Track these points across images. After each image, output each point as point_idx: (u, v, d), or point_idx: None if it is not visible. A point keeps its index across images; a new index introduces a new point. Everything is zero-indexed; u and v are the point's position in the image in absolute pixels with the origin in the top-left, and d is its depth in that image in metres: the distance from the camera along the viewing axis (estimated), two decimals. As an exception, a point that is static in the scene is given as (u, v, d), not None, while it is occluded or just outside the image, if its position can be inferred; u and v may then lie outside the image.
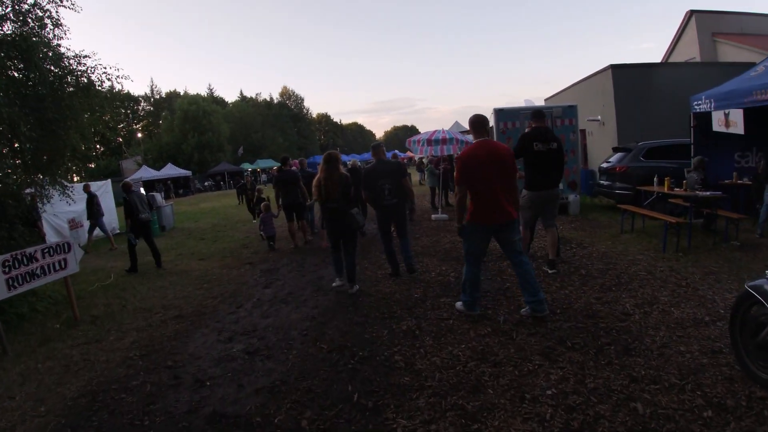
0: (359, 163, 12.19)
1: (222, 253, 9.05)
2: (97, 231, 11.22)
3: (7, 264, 4.70)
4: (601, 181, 10.55)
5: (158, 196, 14.59)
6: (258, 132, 58.03)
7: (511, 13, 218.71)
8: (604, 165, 10.50)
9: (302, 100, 76.98)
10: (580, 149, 11.25)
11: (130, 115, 57.13)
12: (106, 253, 10.53)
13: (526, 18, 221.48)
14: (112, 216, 13.68)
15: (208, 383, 3.51)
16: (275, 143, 59.81)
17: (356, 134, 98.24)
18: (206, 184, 40.50)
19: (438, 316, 4.43)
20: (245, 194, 10.50)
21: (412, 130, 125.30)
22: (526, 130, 5.69)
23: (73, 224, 11.44)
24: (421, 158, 20.40)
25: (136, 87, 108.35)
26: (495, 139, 7.10)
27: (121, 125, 54.51)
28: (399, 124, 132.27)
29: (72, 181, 10.17)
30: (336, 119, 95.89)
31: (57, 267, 5.39)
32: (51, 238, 10.68)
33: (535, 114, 5.52)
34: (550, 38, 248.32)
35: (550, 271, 5.43)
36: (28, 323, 5.60)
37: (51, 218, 10.80)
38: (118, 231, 13.85)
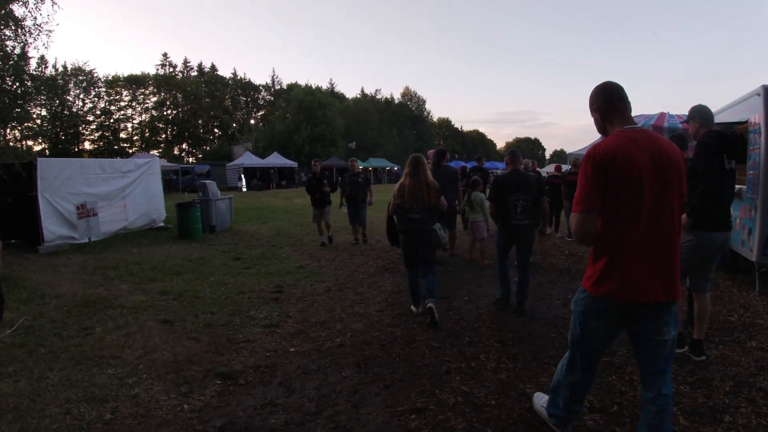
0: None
1: (229, 306, 4.71)
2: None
3: None
4: None
5: (212, 186, 10.79)
6: (374, 129, 55.85)
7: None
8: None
9: (424, 102, 74.06)
10: None
11: (249, 103, 58.95)
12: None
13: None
14: (152, 204, 10.75)
15: None
16: (391, 142, 57.36)
17: (477, 142, 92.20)
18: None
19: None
20: (309, 191, 8.07)
21: (535, 143, 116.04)
22: (700, 137, 3.34)
23: (83, 211, 8.54)
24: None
25: (258, 76, 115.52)
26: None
27: (240, 112, 56.46)
28: (521, 136, 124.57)
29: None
30: (457, 125, 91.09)
31: None
32: (49, 226, 7.88)
33: (704, 114, 3.36)
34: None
35: (696, 359, 3.34)
36: None
37: (54, 198, 8.03)
38: (162, 223, 10.97)
